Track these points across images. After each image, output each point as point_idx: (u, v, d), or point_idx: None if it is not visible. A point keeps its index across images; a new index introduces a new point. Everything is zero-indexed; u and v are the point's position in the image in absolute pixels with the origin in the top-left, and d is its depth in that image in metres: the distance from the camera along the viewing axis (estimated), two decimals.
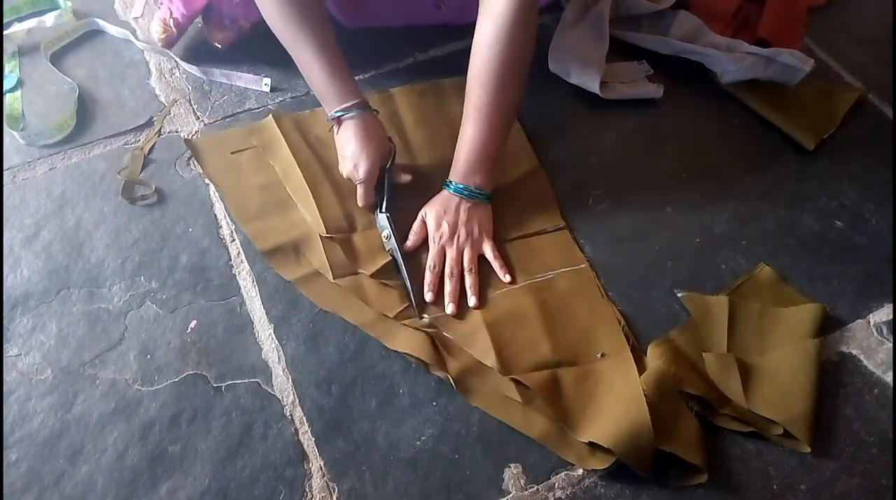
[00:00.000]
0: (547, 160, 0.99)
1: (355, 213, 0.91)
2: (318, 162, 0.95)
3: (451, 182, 0.88)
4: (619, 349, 0.81)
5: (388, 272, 0.86)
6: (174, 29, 1.05)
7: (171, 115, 1.03)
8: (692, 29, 1.11)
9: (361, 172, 0.87)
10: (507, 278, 0.86)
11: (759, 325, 0.82)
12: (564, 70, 1.07)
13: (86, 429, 0.75)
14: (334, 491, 0.72)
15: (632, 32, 1.13)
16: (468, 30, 0.86)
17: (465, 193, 0.87)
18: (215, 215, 0.92)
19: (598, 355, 0.80)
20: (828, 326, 0.84)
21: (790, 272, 0.89)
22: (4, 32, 1.10)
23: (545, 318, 0.83)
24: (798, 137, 1.02)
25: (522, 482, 0.73)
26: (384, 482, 0.73)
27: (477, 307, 0.84)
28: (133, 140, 1.00)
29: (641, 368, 0.79)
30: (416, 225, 0.89)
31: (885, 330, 0.85)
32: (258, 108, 1.04)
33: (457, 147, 0.88)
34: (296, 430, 0.76)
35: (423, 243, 0.89)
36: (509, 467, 0.74)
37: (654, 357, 0.79)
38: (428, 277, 0.85)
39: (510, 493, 0.73)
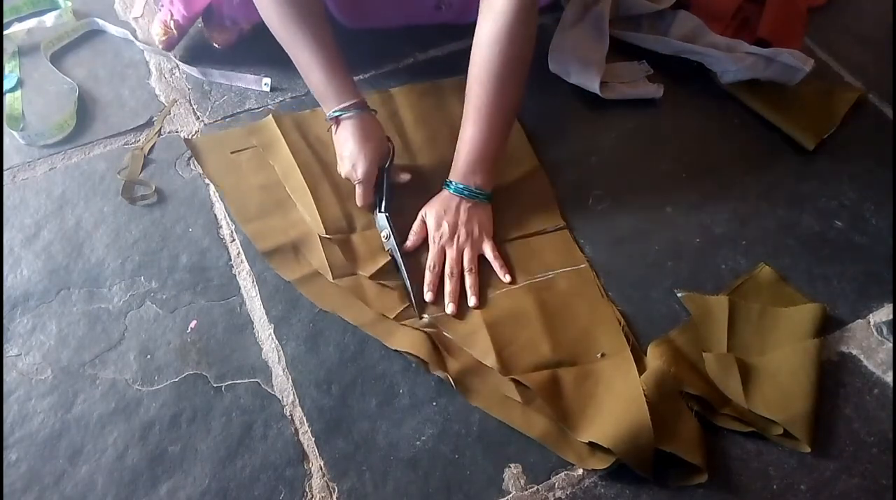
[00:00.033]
0: (547, 160, 0.99)
1: (355, 213, 0.91)
2: (317, 162, 0.95)
3: (451, 182, 0.88)
4: (619, 349, 0.81)
5: (387, 273, 0.86)
6: (175, 31, 1.04)
7: (171, 115, 1.03)
8: (692, 29, 1.11)
9: (360, 172, 0.87)
10: (507, 278, 0.86)
11: (759, 325, 0.82)
12: (564, 70, 1.07)
13: (86, 429, 0.75)
14: (334, 491, 0.72)
15: (632, 32, 1.13)
16: (468, 30, 0.86)
17: (466, 193, 0.87)
18: (215, 215, 0.92)
19: (598, 355, 0.80)
20: (828, 326, 0.84)
21: (790, 272, 0.89)
22: (4, 32, 1.10)
23: (545, 318, 0.83)
24: (798, 137, 1.02)
25: (522, 482, 0.73)
26: (384, 482, 0.73)
27: (477, 307, 0.84)
28: (133, 140, 1.00)
29: (641, 368, 0.79)
30: (416, 225, 0.89)
31: (885, 330, 0.85)
32: (258, 108, 1.04)
33: (457, 147, 0.88)
34: (296, 430, 0.76)
35: (423, 243, 0.89)
36: (509, 467, 0.74)
37: (654, 357, 0.79)
38: (428, 277, 0.85)
39: (510, 493, 0.73)
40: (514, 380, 0.77)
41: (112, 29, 1.12)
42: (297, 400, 0.78)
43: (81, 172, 0.96)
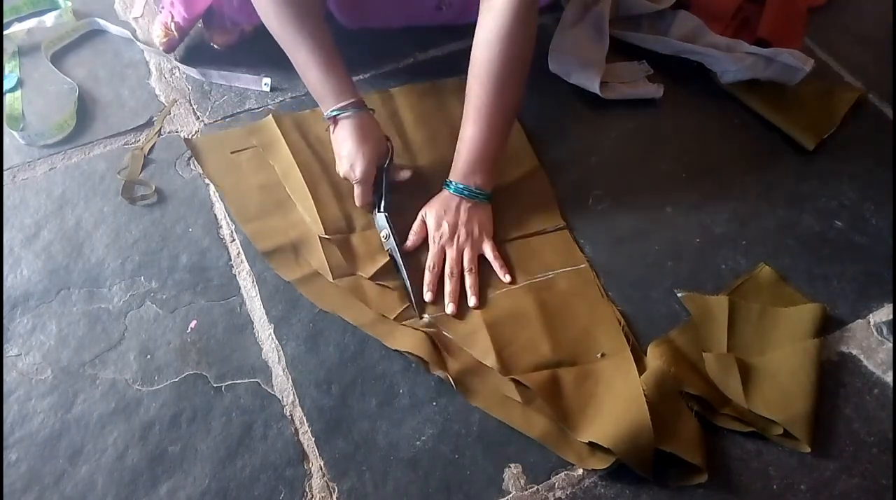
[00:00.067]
0: (547, 160, 0.99)
1: (354, 213, 0.91)
2: (317, 162, 0.95)
3: (451, 182, 0.88)
4: (619, 349, 0.81)
5: (386, 274, 0.86)
6: (175, 33, 1.04)
7: (171, 115, 1.03)
8: (692, 29, 1.11)
9: (358, 172, 0.86)
10: (507, 278, 0.86)
11: (759, 325, 0.82)
12: (564, 70, 1.07)
13: (86, 429, 0.75)
14: (334, 491, 0.72)
15: (632, 32, 1.13)
16: (468, 30, 0.86)
17: (466, 193, 0.87)
18: (215, 215, 0.92)
19: (598, 355, 0.80)
20: (828, 326, 0.84)
21: (790, 272, 0.89)
22: (4, 32, 1.10)
23: (545, 318, 0.83)
24: (798, 137, 1.02)
25: (522, 482, 0.73)
26: (384, 482, 0.73)
27: (477, 307, 0.84)
28: (133, 140, 1.00)
29: (641, 368, 0.79)
30: (416, 225, 0.89)
31: (885, 330, 0.85)
32: (258, 108, 1.04)
33: (457, 147, 0.88)
34: (296, 430, 0.76)
35: (423, 243, 0.89)
36: (509, 467, 0.74)
37: (654, 357, 0.79)
38: (427, 277, 0.85)
39: (510, 493, 0.73)
40: (514, 380, 0.77)
41: (113, 29, 1.13)
42: (297, 400, 0.78)
43: (81, 172, 0.96)
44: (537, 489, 0.73)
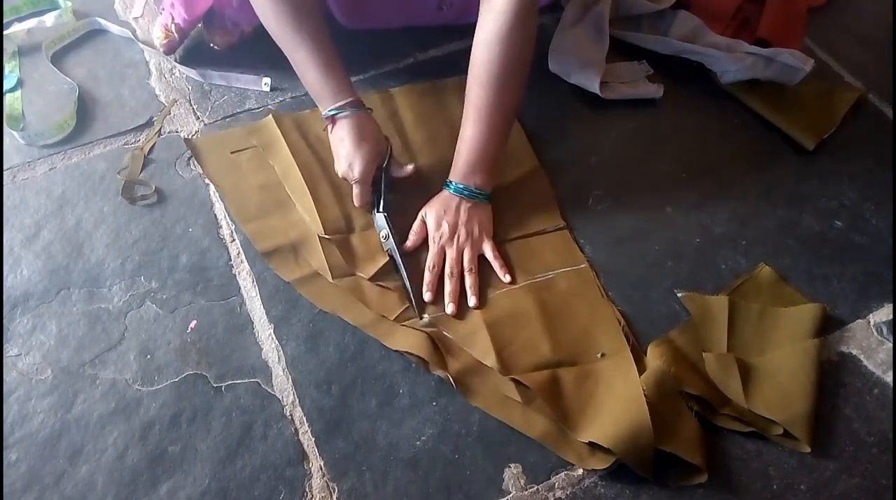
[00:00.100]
0: (547, 160, 0.99)
1: (353, 213, 0.91)
2: (317, 162, 0.95)
3: (451, 182, 0.88)
4: (619, 349, 0.81)
5: (386, 274, 0.86)
6: (176, 34, 1.04)
7: (171, 115, 1.03)
8: (692, 29, 1.11)
9: (356, 172, 0.86)
10: (507, 278, 0.86)
11: (759, 325, 0.82)
12: (564, 70, 1.07)
13: (86, 429, 0.75)
14: (334, 491, 0.72)
15: (632, 32, 1.13)
16: (468, 30, 0.86)
17: (466, 193, 0.87)
18: (215, 215, 0.92)
19: (598, 355, 0.80)
20: (828, 326, 0.84)
21: (790, 272, 0.89)
22: (4, 32, 1.10)
23: (545, 318, 0.83)
24: (798, 137, 1.02)
25: (522, 482, 0.73)
26: (384, 482, 0.73)
27: (477, 307, 0.84)
28: (133, 140, 1.00)
29: (641, 368, 0.79)
30: (415, 225, 0.89)
31: (885, 330, 0.85)
32: (258, 108, 1.04)
33: (457, 147, 0.88)
34: (296, 430, 0.76)
35: (423, 243, 0.89)
36: (509, 467, 0.74)
37: (654, 357, 0.79)
38: (427, 277, 0.85)
39: (510, 493, 0.73)
40: (514, 380, 0.77)
41: (113, 28, 1.13)
42: (297, 400, 0.78)
43: (81, 172, 0.96)
44: (537, 489, 0.73)
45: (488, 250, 0.88)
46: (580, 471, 0.74)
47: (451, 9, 1.07)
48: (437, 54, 1.13)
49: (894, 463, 0.75)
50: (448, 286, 0.84)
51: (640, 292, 0.87)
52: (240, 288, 0.86)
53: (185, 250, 0.89)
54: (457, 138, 0.88)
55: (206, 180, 0.95)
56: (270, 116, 1.00)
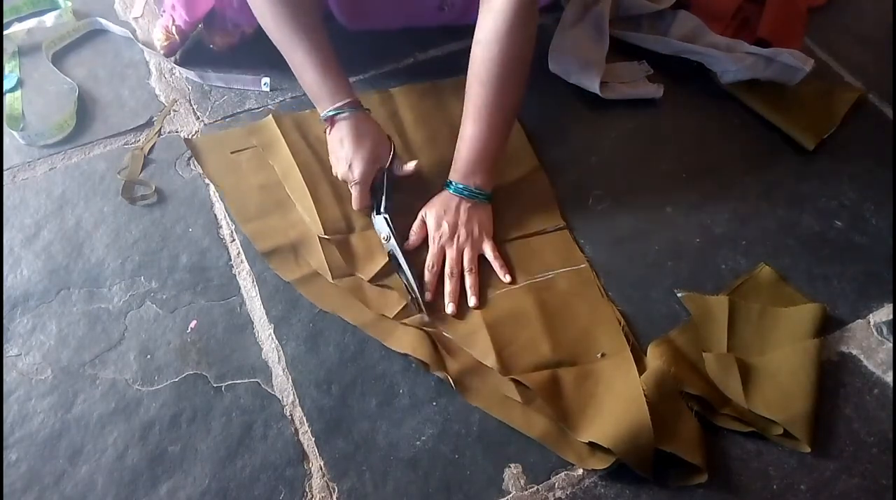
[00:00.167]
0: (547, 160, 0.99)
1: (353, 214, 0.91)
2: (317, 162, 0.95)
3: (451, 182, 0.88)
4: (619, 349, 0.81)
5: (386, 275, 0.86)
6: (177, 36, 1.04)
7: (171, 115, 1.03)
8: (692, 29, 1.11)
9: (356, 174, 0.86)
10: (507, 278, 0.86)
11: (759, 325, 0.82)
12: (564, 70, 1.07)
13: (86, 429, 0.75)
14: (334, 491, 0.72)
15: (632, 32, 1.13)
16: (468, 30, 0.86)
17: (466, 193, 0.87)
18: (215, 215, 0.92)
19: (598, 355, 0.80)
20: (828, 326, 0.84)
21: (790, 272, 0.89)
22: (4, 32, 1.10)
23: (545, 318, 0.83)
24: (798, 137, 1.02)
25: (522, 482, 0.73)
26: (384, 482, 0.73)
27: (477, 307, 0.84)
28: (133, 140, 1.00)
29: (641, 368, 0.79)
30: (415, 225, 0.89)
31: (885, 330, 0.85)
32: (258, 108, 1.04)
33: (457, 147, 0.88)
34: (296, 430, 0.76)
35: (423, 244, 0.89)
36: (509, 467, 0.74)
37: (654, 357, 0.79)
38: (426, 276, 0.85)
39: (510, 493, 0.73)
40: (514, 380, 0.77)
41: (113, 28, 1.13)
42: (297, 400, 0.78)
43: (81, 172, 0.96)
44: (537, 489, 0.73)
45: (488, 250, 0.88)
46: (580, 471, 0.74)
47: (452, 9, 1.07)
48: (437, 54, 1.13)
49: (894, 463, 0.75)
50: (448, 286, 0.84)
51: (640, 292, 0.87)
52: (240, 288, 0.86)
53: (185, 250, 0.89)
54: (457, 138, 0.88)
55: (206, 180, 0.95)
56: (270, 116, 1.00)
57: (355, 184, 0.87)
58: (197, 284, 0.86)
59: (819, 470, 0.74)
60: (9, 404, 0.76)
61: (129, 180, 0.95)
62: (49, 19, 1.12)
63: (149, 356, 0.80)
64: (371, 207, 0.89)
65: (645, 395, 0.75)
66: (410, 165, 0.91)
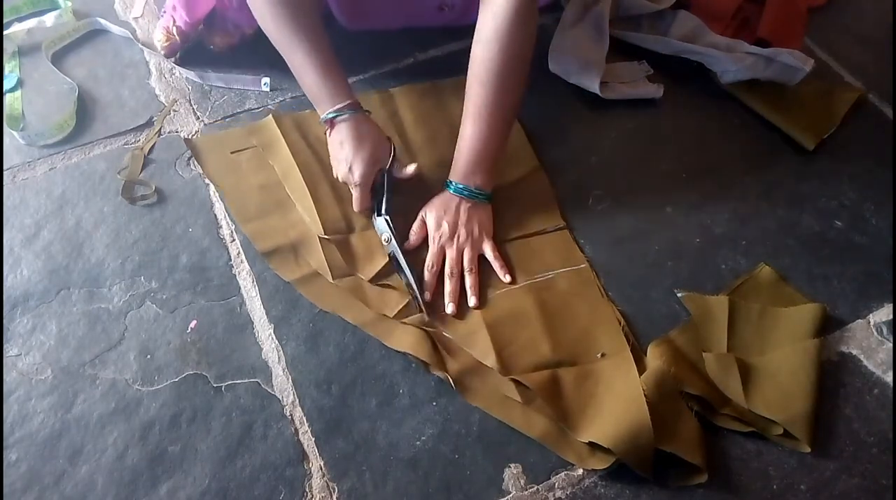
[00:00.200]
0: (547, 160, 0.99)
1: (353, 214, 0.91)
2: (317, 162, 0.95)
3: (451, 182, 0.88)
4: (619, 349, 0.81)
5: (386, 275, 0.86)
6: (177, 37, 1.04)
7: (171, 115, 1.03)
8: (692, 29, 1.11)
9: (356, 175, 0.86)
10: (507, 278, 0.86)
11: (759, 325, 0.82)
12: (564, 70, 1.07)
13: (86, 429, 0.75)
14: (334, 491, 0.72)
15: (632, 32, 1.13)
16: (468, 30, 0.86)
17: (466, 193, 0.87)
18: (215, 215, 0.92)
19: (598, 355, 0.80)
20: (828, 326, 0.84)
21: (790, 272, 0.89)
22: (4, 32, 1.10)
23: (545, 318, 0.83)
24: (798, 137, 1.02)
25: (522, 482, 0.73)
26: (384, 482, 0.73)
27: (477, 307, 0.84)
28: (133, 140, 1.00)
29: (641, 368, 0.79)
30: (415, 225, 0.89)
31: (885, 330, 0.85)
32: (258, 108, 1.04)
33: (457, 147, 0.88)
34: (296, 430, 0.76)
35: (424, 244, 0.89)
36: (509, 467, 0.74)
37: (654, 357, 0.79)
38: (426, 276, 0.85)
39: (510, 493, 0.73)
40: (514, 380, 0.77)
41: (113, 29, 1.13)
42: (297, 400, 0.78)
43: (81, 172, 0.96)
44: (537, 489, 0.73)
45: (488, 250, 0.88)
46: (580, 471, 0.74)
47: (453, 10, 1.07)
48: (437, 54, 1.13)
49: (894, 463, 0.75)
50: (448, 286, 0.84)
51: (640, 292, 0.87)
52: (240, 288, 0.86)
53: (185, 250, 0.89)
54: (457, 138, 0.88)
55: (206, 180, 0.95)
56: (270, 116, 1.00)
57: (356, 186, 0.87)
58: (197, 284, 0.86)
59: (819, 470, 0.74)
60: (9, 405, 0.76)
61: (129, 180, 0.95)
62: (49, 19, 1.12)
63: (149, 356, 0.80)
64: (372, 208, 0.89)
65: (645, 395, 0.75)
66: (410, 168, 0.91)
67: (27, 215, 0.91)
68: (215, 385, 0.78)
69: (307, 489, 0.72)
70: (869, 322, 0.86)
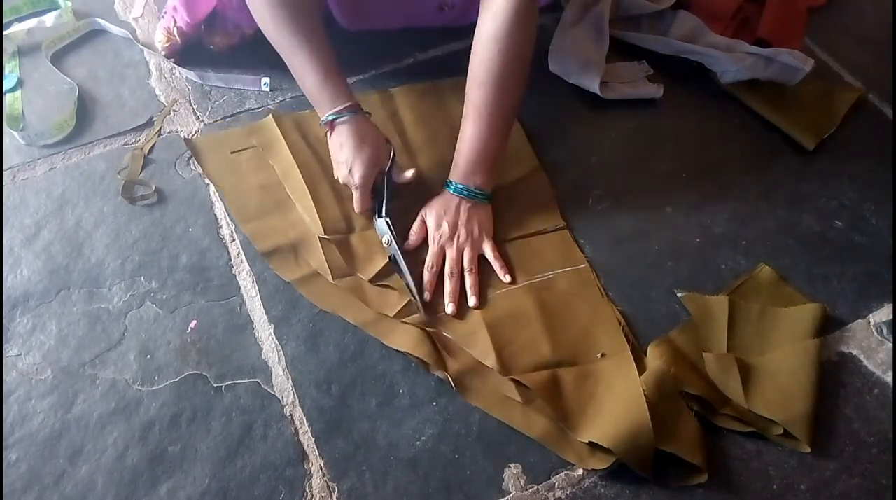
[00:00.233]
0: (547, 160, 0.99)
1: (353, 214, 0.91)
2: (317, 162, 0.95)
3: (451, 182, 0.88)
4: (619, 349, 0.81)
5: (386, 275, 0.86)
6: (178, 38, 1.04)
7: (171, 115, 1.03)
8: (692, 29, 1.11)
9: (357, 177, 0.86)
10: (507, 278, 0.86)
11: (759, 325, 0.82)
12: (564, 70, 1.07)
13: (86, 429, 0.75)
14: (334, 491, 0.72)
15: (632, 32, 1.13)
16: (468, 30, 0.86)
17: (466, 193, 0.87)
18: (215, 215, 0.92)
19: (598, 355, 0.80)
20: (828, 326, 0.84)
21: (790, 272, 0.89)
22: (4, 32, 1.10)
23: (545, 318, 0.83)
24: (798, 137, 1.02)
25: (522, 482, 0.73)
26: (384, 482, 0.73)
27: (477, 307, 0.84)
28: (133, 140, 1.00)
29: (641, 368, 0.79)
30: (415, 225, 0.89)
31: (885, 330, 0.85)
32: (258, 108, 1.04)
33: (457, 147, 0.88)
34: (296, 430, 0.76)
35: (424, 244, 0.89)
36: (509, 467, 0.74)
37: (654, 357, 0.79)
38: (426, 276, 0.85)
39: (510, 493, 0.73)
40: (514, 380, 0.77)
41: (113, 29, 1.13)
42: (297, 400, 0.78)
43: (81, 172, 0.96)
44: (537, 489, 0.73)
45: (488, 250, 0.88)
46: (580, 471, 0.74)
47: (453, 10, 1.07)
48: (437, 54, 1.13)
49: (894, 463, 0.75)
50: (448, 286, 0.84)
51: (640, 292, 0.87)
52: (240, 288, 0.86)
53: (185, 250, 0.89)
54: (457, 138, 0.88)
55: (206, 180, 0.95)
56: (270, 116, 1.00)
57: (356, 188, 0.87)
58: (197, 284, 0.86)
59: (819, 470, 0.74)
60: (9, 404, 0.76)
61: (129, 180, 0.95)
62: (49, 19, 1.12)
63: (149, 356, 0.80)
64: (372, 210, 0.89)
65: (645, 395, 0.75)
66: (409, 174, 0.91)
67: (27, 215, 0.91)
68: (215, 385, 0.78)
69: (307, 489, 0.72)
70: (869, 322, 0.86)
